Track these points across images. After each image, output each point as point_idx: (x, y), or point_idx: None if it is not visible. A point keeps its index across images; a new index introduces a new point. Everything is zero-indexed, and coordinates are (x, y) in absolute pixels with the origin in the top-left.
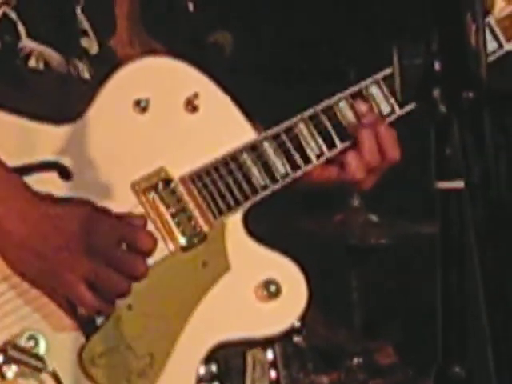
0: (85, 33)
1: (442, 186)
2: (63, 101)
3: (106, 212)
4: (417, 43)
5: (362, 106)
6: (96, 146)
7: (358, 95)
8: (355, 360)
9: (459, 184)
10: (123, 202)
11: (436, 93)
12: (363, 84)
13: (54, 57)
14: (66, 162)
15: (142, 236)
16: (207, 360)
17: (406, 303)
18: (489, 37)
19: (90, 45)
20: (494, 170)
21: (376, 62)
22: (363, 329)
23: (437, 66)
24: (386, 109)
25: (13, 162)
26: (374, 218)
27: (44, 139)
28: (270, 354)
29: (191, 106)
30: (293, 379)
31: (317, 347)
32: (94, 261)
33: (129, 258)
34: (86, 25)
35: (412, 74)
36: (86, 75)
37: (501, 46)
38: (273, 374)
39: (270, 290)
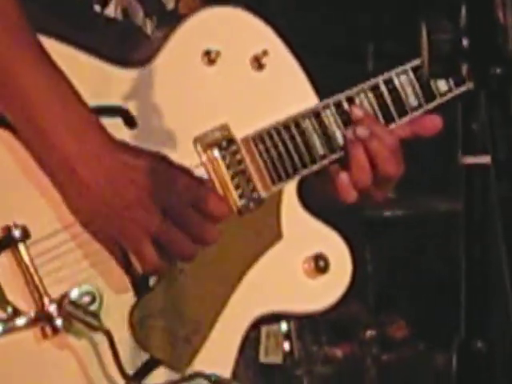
0: None
1: (468, 161)
2: (129, 49)
3: (183, 170)
4: (445, 19)
5: (358, 111)
6: (162, 94)
7: (389, 83)
8: (368, 333)
9: (485, 159)
10: (184, 155)
11: (464, 68)
12: (393, 72)
13: (134, 6)
14: (132, 108)
15: (216, 201)
16: None
17: (420, 278)
18: None
19: (167, 1)
20: None
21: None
22: (376, 302)
23: (465, 41)
24: (413, 102)
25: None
26: (390, 193)
27: (111, 82)
28: (284, 326)
29: (258, 63)
30: (306, 351)
31: (330, 320)
32: (165, 219)
33: (201, 222)
34: None
35: (440, 50)
36: (149, 31)
37: None
38: (287, 345)
39: (319, 264)
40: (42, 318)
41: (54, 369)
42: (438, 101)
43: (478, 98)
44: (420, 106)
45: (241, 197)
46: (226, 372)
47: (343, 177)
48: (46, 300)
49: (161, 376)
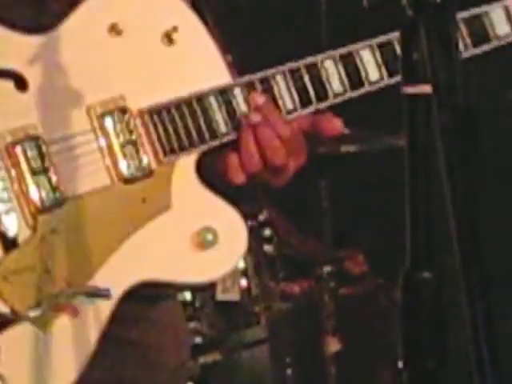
0: None
1: (409, 90)
2: (37, 16)
3: None
4: None
5: (257, 98)
6: (61, 61)
7: (347, 57)
8: (325, 268)
9: (426, 89)
10: (75, 123)
11: None
12: (354, 47)
13: None
14: (27, 72)
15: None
16: None
17: (376, 212)
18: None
19: None
20: (461, 76)
21: None
22: (333, 238)
23: None
24: (374, 76)
25: None
26: (345, 130)
27: (10, 47)
28: (241, 263)
29: (169, 38)
30: (264, 287)
31: (288, 256)
32: None
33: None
34: None
35: None
36: None
37: None
38: (244, 282)
39: (207, 238)
40: None
41: None
42: (367, 88)
43: (418, 27)
44: (344, 91)
45: (128, 166)
46: (88, 343)
47: (232, 158)
48: None
49: (21, 331)
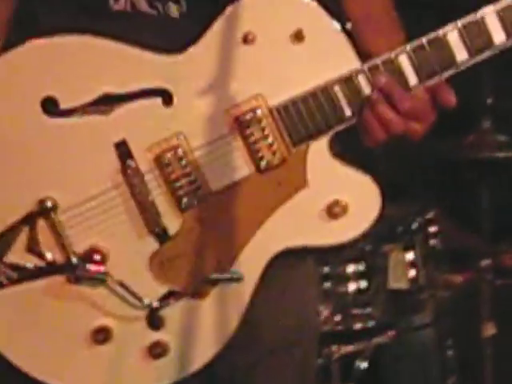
0: None
1: None
2: (156, 39)
3: None
4: None
5: (380, 79)
6: (201, 75)
7: (468, 25)
8: (484, 262)
9: None
10: (218, 124)
11: None
12: (478, 14)
13: (142, 2)
14: (172, 88)
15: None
16: (356, 260)
17: None
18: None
19: None
20: None
21: None
22: (492, 234)
23: None
24: (498, 38)
25: (118, 88)
26: (502, 137)
27: (151, 67)
28: (410, 256)
29: (297, 37)
30: (429, 278)
31: (451, 250)
32: None
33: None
34: None
35: None
36: (175, 13)
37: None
38: (412, 272)
39: (337, 210)
40: (67, 269)
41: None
42: (490, 52)
43: None
44: (470, 57)
45: (261, 159)
46: (241, 305)
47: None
48: (71, 255)
49: (179, 308)
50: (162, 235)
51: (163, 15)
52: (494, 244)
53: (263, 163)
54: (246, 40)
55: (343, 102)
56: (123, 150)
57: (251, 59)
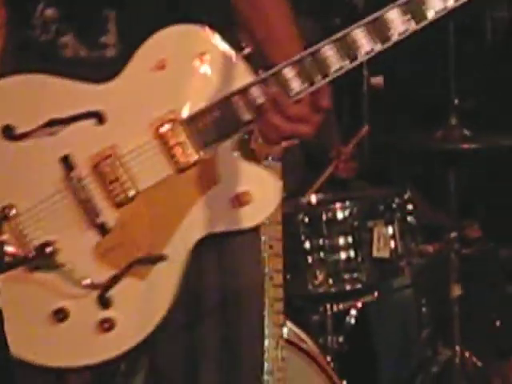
0: (107, 31)
1: None
2: (96, 75)
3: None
4: None
5: (270, 89)
6: (127, 97)
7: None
8: (452, 234)
9: None
10: (141, 136)
11: None
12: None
13: (84, 49)
14: (104, 109)
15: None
16: (346, 233)
17: (493, 195)
18: None
19: (110, 41)
20: None
21: None
22: (457, 211)
23: None
24: (366, 48)
25: (61, 114)
26: (466, 132)
27: (87, 95)
28: (390, 230)
29: (201, 60)
30: (406, 248)
31: (424, 225)
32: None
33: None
34: (110, 26)
35: None
36: (111, 54)
37: None
38: (392, 243)
39: (243, 198)
40: (26, 261)
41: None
42: (362, 58)
43: None
44: (341, 67)
45: (180, 160)
46: (172, 282)
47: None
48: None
49: (123, 289)
50: (102, 228)
51: (100, 57)
52: (459, 220)
53: (181, 164)
54: (159, 66)
55: (242, 110)
56: (67, 163)
57: (165, 81)
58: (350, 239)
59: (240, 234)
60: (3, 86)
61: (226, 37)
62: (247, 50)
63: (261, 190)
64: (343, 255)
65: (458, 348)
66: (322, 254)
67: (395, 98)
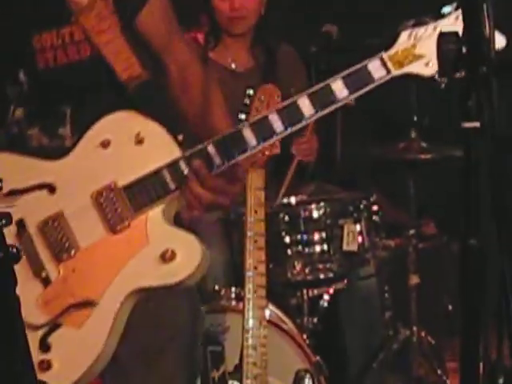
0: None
1: (466, 125)
2: (54, 156)
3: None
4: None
5: (194, 163)
6: (75, 171)
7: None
8: (410, 231)
9: (476, 124)
10: (84, 202)
11: (461, 70)
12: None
13: (45, 139)
14: (54, 181)
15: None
16: (320, 230)
17: (447, 194)
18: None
19: (67, 132)
20: (497, 115)
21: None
22: (415, 212)
23: (464, 49)
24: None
25: (18, 185)
26: (424, 144)
27: (41, 170)
28: (358, 227)
29: (137, 139)
30: (372, 242)
31: (387, 223)
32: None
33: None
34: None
35: (448, 55)
36: (69, 143)
37: (389, 72)
38: (360, 239)
39: (168, 255)
40: None
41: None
42: (275, 138)
43: (472, 85)
44: (258, 144)
45: (114, 223)
46: (105, 328)
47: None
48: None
49: (61, 334)
50: (45, 280)
51: (60, 146)
52: (417, 218)
53: (116, 227)
54: (104, 145)
55: (169, 180)
56: (21, 225)
57: (108, 157)
58: (323, 235)
59: (167, 289)
60: None
61: (164, 125)
62: (180, 137)
63: (183, 251)
64: (318, 248)
65: (415, 328)
66: (299, 248)
67: (365, 115)
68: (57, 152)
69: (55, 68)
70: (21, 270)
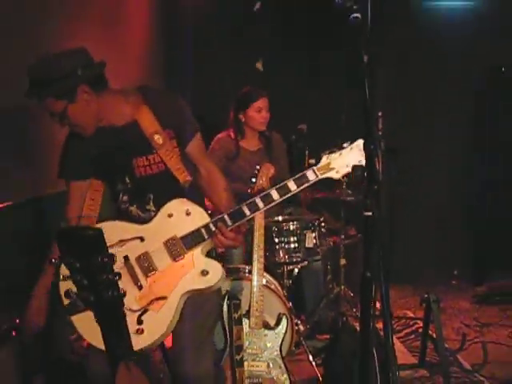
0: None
1: (365, 213)
2: (144, 221)
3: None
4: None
5: (219, 225)
6: (155, 229)
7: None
8: (341, 233)
9: (369, 213)
10: (160, 244)
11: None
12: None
13: (140, 213)
14: (143, 235)
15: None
16: (294, 235)
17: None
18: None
19: (151, 207)
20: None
21: None
22: (345, 222)
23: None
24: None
25: (124, 237)
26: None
27: (137, 229)
28: (314, 234)
29: (187, 213)
30: (320, 242)
31: (329, 229)
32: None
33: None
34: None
35: (357, 177)
36: (153, 214)
37: (317, 176)
38: (314, 240)
39: (204, 273)
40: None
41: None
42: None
43: (368, 194)
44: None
45: (174, 257)
46: (168, 318)
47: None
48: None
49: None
50: (140, 287)
51: (148, 216)
52: (345, 226)
53: (176, 258)
54: (169, 216)
55: (204, 234)
56: (126, 259)
57: (172, 223)
58: (295, 238)
59: (204, 290)
60: (104, 225)
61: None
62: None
63: (212, 270)
64: (292, 245)
65: (342, 287)
66: (282, 245)
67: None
68: (145, 219)
69: (145, 177)
70: (127, 282)
